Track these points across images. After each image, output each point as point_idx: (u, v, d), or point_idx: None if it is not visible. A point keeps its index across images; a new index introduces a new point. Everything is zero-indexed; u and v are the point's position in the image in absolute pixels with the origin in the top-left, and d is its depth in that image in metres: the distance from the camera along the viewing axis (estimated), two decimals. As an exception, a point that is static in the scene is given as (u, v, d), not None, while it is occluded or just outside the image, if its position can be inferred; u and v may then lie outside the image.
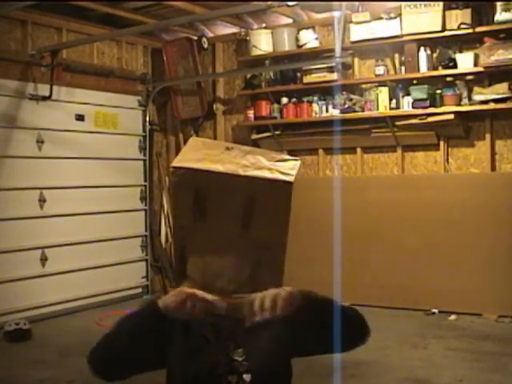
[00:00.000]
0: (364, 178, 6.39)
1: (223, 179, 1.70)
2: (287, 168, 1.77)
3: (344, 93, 6.21)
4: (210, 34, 7.15)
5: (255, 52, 6.59)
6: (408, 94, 5.87)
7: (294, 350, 1.83)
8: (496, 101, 5.46)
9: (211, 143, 1.89)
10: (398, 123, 5.98)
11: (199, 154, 1.77)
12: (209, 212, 1.73)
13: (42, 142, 6.05)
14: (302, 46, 6.47)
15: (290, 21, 6.59)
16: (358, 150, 6.39)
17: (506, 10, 5.28)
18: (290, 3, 5.05)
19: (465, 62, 5.59)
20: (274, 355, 1.80)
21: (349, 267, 5.88)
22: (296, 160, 1.83)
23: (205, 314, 1.75)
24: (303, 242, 6.15)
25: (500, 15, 5.33)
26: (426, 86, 5.75)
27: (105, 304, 6.45)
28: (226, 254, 1.73)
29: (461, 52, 5.68)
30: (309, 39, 6.41)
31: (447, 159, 5.99)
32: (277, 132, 6.65)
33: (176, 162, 1.74)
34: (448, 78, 5.81)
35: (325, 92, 6.32)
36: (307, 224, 6.18)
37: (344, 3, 5.54)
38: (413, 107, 5.82)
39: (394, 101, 5.96)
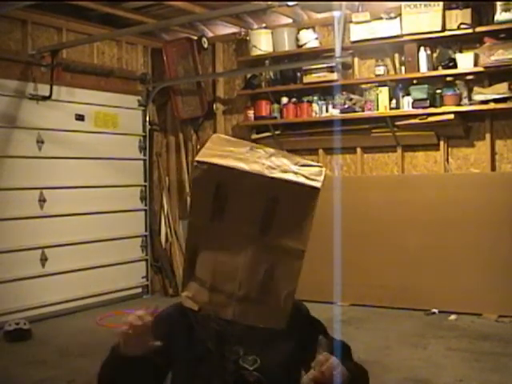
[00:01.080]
0: (364, 177, 6.39)
1: (247, 178, 1.64)
2: (313, 173, 1.71)
3: (344, 93, 6.21)
4: (210, 34, 7.15)
5: (255, 52, 6.60)
6: (408, 94, 5.87)
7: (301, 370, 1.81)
8: (496, 101, 5.46)
9: (235, 141, 1.81)
10: (397, 123, 5.98)
11: (223, 151, 1.71)
12: (227, 211, 1.68)
13: (42, 142, 6.05)
14: (301, 46, 6.47)
15: (290, 21, 6.60)
16: (358, 149, 6.39)
17: (506, 10, 5.29)
18: (290, 3, 5.05)
19: (465, 62, 5.59)
20: (287, 369, 1.77)
21: (349, 267, 5.88)
22: (321, 166, 1.77)
23: (209, 320, 1.73)
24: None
25: (500, 15, 5.33)
26: (426, 86, 5.75)
27: (105, 304, 6.45)
28: (240, 257, 1.69)
29: (461, 52, 5.68)
30: (309, 39, 6.42)
31: (447, 159, 5.99)
32: (277, 132, 6.66)
33: (200, 156, 1.66)
34: (448, 78, 5.81)
35: (325, 92, 6.32)
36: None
37: (344, 3, 5.54)
38: (413, 107, 5.82)
39: (393, 101, 5.96)
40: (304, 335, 1.82)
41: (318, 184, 1.66)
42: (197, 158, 1.66)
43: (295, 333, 1.80)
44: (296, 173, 1.68)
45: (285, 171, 1.68)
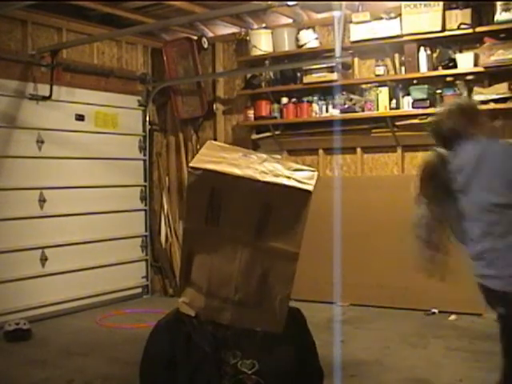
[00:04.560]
0: (364, 177, 6.39)
1: (241, 183, 1.67)
2: (305, 177, 1.74)
3: (344, 93, 6.21)
4: (210, 34, 7.15)
5: (255, 52, 6.59)
6: (408, 94, 5.87)
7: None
8: (496, 101, 5.45)
9: (228, 148, 1.85)
10: (397, 123, 5.98)
11: (217, 157, 1.74)
12: (222, 216, 1.71)
13: (42, 142, 6.05)
14: (302, 46, 6.46)
15: (290, 21, 6.59)
16: (358, 149, 6.39)
17: (506, 9, 5.28)
18: (290, 3, 5.05)
19: (465, 62, 5.59)
20: (287, 374, 1.78)
21: (349, 267, 5.89)
22: (314, 171, 1.80)
23: (206, 324, 1.74)
24: (303, 242, 6.15)
25: (500, 15, 5.32)
26: (426, 86, 5.75)
27: (105, 304, 6.45)
28: (234, 261, 1.71)
29: (461, 52, 5.68)
30: (309, 39, 6.41)
31: (447, 159, 5.99)
32: (277, 132, 6.66)
33: (194, 163, 1.70)
34: (448, 78, 5.81)
35: (325, 92, 6.32)
36: (307, 224, 6.17)
37: (344, 3, 5.55)
38: (413, 107, 5.82)
39: (394, 101, 5.96)
40: (302, 343, 1.85)
41: (309, 187, 1.70)
42: (191, 164, 1.70)
43: (295, 338, 1.82)
44: (288, 177, 1.72)
45: (277, 175, 1.71)
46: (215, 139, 7.20)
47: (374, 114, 6.03)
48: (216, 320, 1.75)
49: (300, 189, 1.69)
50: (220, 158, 1.74)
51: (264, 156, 1.82)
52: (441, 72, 5.76)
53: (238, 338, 1.76)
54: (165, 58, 7.06)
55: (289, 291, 1.74)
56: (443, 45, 5.77)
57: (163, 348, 1.79)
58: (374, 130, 6.17)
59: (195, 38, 6.98)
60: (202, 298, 1.76)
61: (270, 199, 1.67)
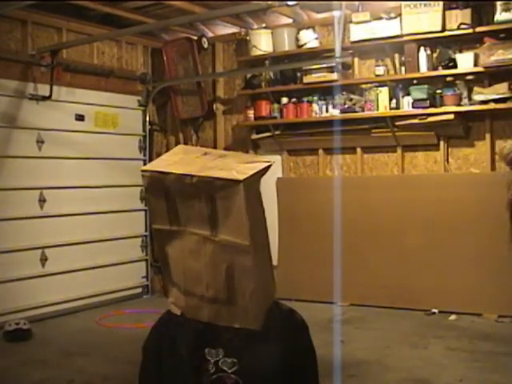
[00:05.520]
0: (364, 177, 6.39)
1: (182, 181, 1.68)
2: (248, 168, 1.68)
3: (344, 93, 6.21)
4: (210, 34, 7.15)
5: (255, 52, 6.59)
6: (408, 94, 5.87)
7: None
8: (496, 101, 5.46)
9: (192, 149, 1.87)
10: (397, 123, 5.98)
11: (174, 159, 1.77)
12: (181, 215, 1.73)
13: (42, 142, 6.05)
14: (302, 46, 6.46)
15: (290, 21, 6.59)
16: (358, 149, 6.39)
17: (506, 9, 5.28)
18: (290, 3, 5.05)
19: (465, 62, 5.59)
20: (271, 374, 1.74)
21: (349, 267, 5.89)
22: (268, 162, 1.72)
23: (190, 322, 1.76)
24: (303, 242, 6.16)
25: (500, 15, 5.32)
26: (426, 86, 5.74)
27: (105, 304, 6.45)
28: (201, 258, 1.72)
29: (461, 52, 5.68)
30: (309, 39, 6.41)
31: (447, 159, 5.99)
32: (277, 132, 6.65)
33: (145, 166, 1.77)
34: (448, 78, 5.81)
35: (325, 92, 6.32)
36: (307, 224, 6.19)
37: (344, 3, 5.54)
38: (413, 107, 5.82)
39: (394, 101, 5.96)
40: (294, 346, 1.81)
41: (240, 176, 1.63)
42: (141, 168, 1.75)
43: (285, 340, 1.78)
44: (230, 169, 1.67)
45: (221, 169, 1.68)
46: (215, 139, 7.21)
47: (374, 114, 6.03)
48: (196, 318, 1.77)
49: (229, 179, 1.64)
50: (177, 159, 1.76)
51: (225, 153, 1.83)
52: (441, 72, 5.76)
53: (221, 336, 1.75)
54: (165, 58, 7.07)
55: (254, 285, 1.70)
56: (443, 45, 5.77)
57: (151, 345, 1.85)
58: (373, 130, 6.17)
59: (195, 38, 6.98)
60: (182, 297, 1.79)
61: (211, 193, 1.67)
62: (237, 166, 1.68)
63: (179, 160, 1.75)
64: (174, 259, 1.79)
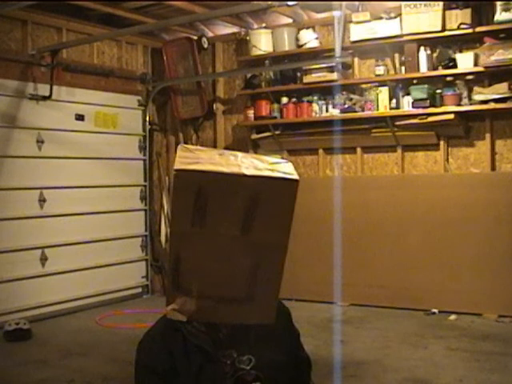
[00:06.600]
0: (364, 177, 6.39)
1: (228, 180, 1.68)
2: (287, 168, 1.77)
3: (344, 93, 6.21)
4: (210, 34, 7.15)
5: (255, 52, 6.59)
6: (408, 94, 5.87)
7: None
8: (496, 101, 5.46)
9: (202, 149, 1.88)
10: (397, 123, 5.98)
11: (196, 158, 1.76)
12: (208, 216, 1.71)
13: (42, 142, 6.05)
14: (301, 46, 6.46)
15: (290, 21, 6.60)
16: (358, 149, 6.39)
17: (506, 9, 5.28)
18: (290, 3, 5.05)
19: (465, 61, 5.59)
20: (285, 366, 1.81)
21: (349, 267, 5.89)
22: (287, 162, 1.83)
23: (199, 328, 1.76)
24: (303, 242, 6.15)
25: (500, 15, 5.33)
26: (426, 85, 5.74)
27: (105, 304, 6.45)
28: (224, 259, 1.72)
29: (461, 52, 5.68)
30: (309, 39, 6.41)
31: (447, 159, 6.00)
32: (277, 132, 6.65)
33: (179, 165, 1.70)
34: (448, 78, 5.81)
35: (325, 92, 6.32)
36: (307, 224, 6.18)
37: (344, 3, 5.54)
38: (413, 107, 5.82)
39: (393, 101, 5.96)
40: (290, 334, 1.92)
41: (295, 177, 1.72)
42: (176, 167, 1.69)
43: (284, 330, 1.89)
44: (271, 170, 1.73)
45: (258, 169, 1.73)
46: (215, 139, 7.22)
47: (374, 113, 6.03)
48: (210, 320, 1.77)
49: (287, 179, 1.70)
50: (198, 158, 1.75)
51: (239, 153, 1.84)
52: (441, 72, 5.76)
53: (231, 336, 1.78)
54: (165, 58, 7.07)
55: (279, 282, 1.76)
56: (443, 45, 5.77)
57: (161, 358, 1.79)
58: (373, 130, 6.17)
59: (195, 37, 6.99)
60: (193, 302, 1.76)
61: (256, 192, 1.68)
62: (272, 167, 1.74)
63: (203, 160, 1.74)
64: (190, 262, 1.76)
